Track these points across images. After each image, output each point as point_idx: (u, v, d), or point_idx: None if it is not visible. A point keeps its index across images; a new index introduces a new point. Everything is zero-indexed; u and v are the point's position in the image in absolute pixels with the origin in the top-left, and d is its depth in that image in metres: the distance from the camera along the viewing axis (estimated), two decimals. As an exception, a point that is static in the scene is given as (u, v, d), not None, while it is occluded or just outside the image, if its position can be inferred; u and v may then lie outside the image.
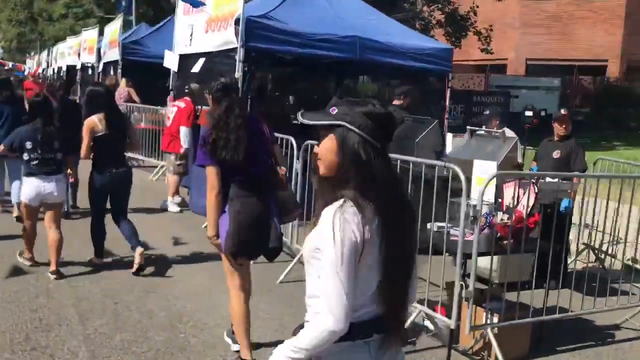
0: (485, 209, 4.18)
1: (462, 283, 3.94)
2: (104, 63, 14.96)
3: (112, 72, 13.78)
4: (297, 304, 4.76)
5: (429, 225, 4.57)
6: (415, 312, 4.35)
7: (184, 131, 8.05)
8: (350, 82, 14.72)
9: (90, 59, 16.19)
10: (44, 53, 29.14)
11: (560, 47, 25.12)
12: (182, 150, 8.13)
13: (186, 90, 8.39)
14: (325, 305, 1.74)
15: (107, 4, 28.43)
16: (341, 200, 1.79)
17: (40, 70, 28.15)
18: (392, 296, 1.83)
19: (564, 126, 5.91)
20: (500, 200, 4.61)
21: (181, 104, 8.28)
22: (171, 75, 10.20)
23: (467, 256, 4.03)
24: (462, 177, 3.89)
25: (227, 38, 7.87)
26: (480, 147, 5.85)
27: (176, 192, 8.42)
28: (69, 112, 7.44)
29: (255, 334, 4.13)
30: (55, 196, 5.56)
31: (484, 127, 6.60)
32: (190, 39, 9.21)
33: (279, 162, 4.16)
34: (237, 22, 7.54)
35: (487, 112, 7.28)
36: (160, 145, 10.72)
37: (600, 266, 6.48)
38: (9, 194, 7.83)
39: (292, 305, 4.95)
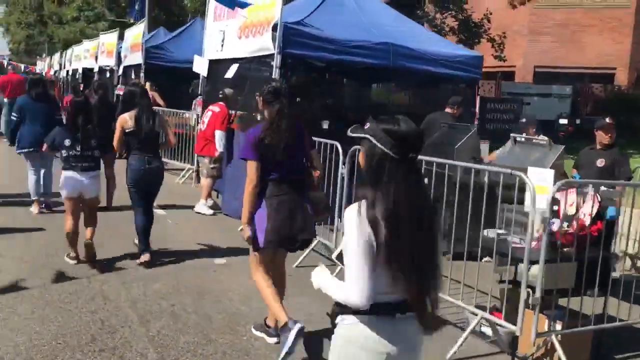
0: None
1: (530, 290, 3.99)
2: (124, 67, 15.02)
3: (132, 76, 13.83)
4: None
5: (485, 232, 4.62)
6: (477, 318, 4.40)
7: (219, 135, 8.11)
8: (365, 89, 14.79)
9: (108, 62, 16.26)
10: (56, 55, 29.20)
11: (568, 55, 25.16)
12: (216, 154, 8.19)
13: (220, 96, 8.44)
14: (350, 288, 2.12)
15: (118, 8, 28.61)
16: (359, 201, 2.14)
17: (52, 72, 28.21)
18: (407, 286, 2.15)
19: (609, 135, 5.91)
20: (556, 208, 4.64)
21: (216, 108, 8.33)
22: (200, 80, 10.27)
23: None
24: (531, 186, 3.93)
25: (262, 44, 7.92)
26: (525, 154, 5.90)
27: (209, 195, 8.48)
28: (107, 111, 7.54)
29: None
30: (92, 190, 5.92)
31: (524, 135, 6.65)
32: (222, 45, 9.26)
33: (314, 165, 4.53)
34: (274, 28, 7.60)
35: (524, 119, 7.34)
36: (184, 148, 10.83)
37: (638, 273, 6.51)
38: (44, 194, 7.90)
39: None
